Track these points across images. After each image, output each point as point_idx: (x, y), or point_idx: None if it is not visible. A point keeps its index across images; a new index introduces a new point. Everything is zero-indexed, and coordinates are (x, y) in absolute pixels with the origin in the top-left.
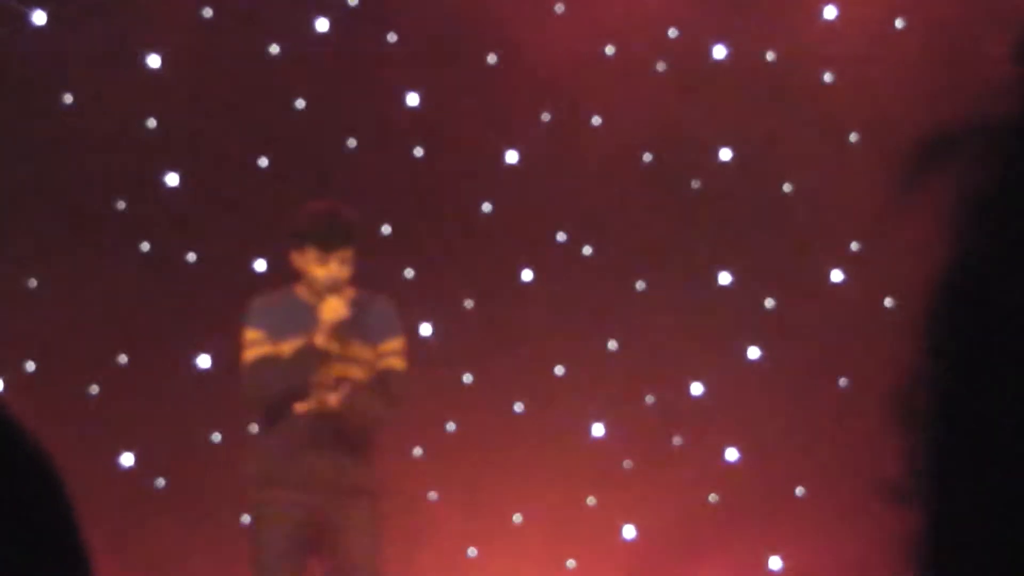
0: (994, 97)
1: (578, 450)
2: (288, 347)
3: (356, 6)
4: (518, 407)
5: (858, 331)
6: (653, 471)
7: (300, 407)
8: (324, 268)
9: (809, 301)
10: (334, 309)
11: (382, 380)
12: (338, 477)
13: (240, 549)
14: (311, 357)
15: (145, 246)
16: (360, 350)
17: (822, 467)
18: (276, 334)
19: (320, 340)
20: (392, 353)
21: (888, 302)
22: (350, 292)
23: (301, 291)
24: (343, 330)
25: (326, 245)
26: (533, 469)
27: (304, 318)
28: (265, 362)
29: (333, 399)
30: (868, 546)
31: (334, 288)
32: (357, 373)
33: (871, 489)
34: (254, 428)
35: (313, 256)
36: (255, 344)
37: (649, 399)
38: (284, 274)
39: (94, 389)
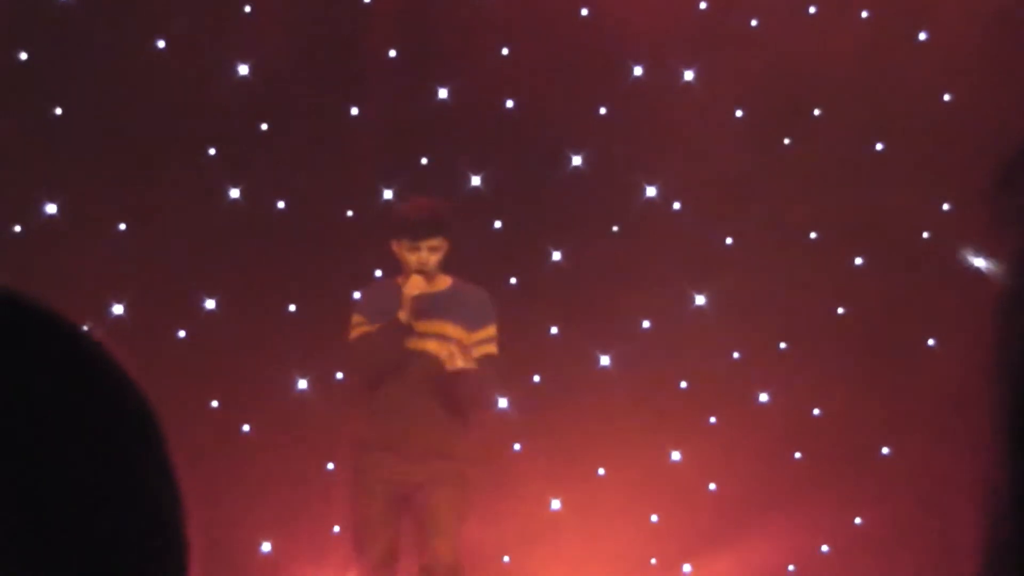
0: None
1: (663, 405)
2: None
3: None
4: (604, 360)
5: (948, 291)
6: (738, 427)
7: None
8: (415, 255)
9: (899, 260)
10: (415, 285)
11: (480, 362)
12: (431, 444)
13: (322, 493)
14: (396, 331)
15: (235, 192)
16: (451, 330)
17: (908, 427)
18: (375, 317)
19: (402, 315)
20: (487, 340)
21: (979, 263)
22: (447, 280)
23: (401, 280)
24: (425, 305)
25: (416, 235)
26: (618, 423)
27: (398, 302)
28: (360, 340)
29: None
30: (953, 508)
31: (423, 273)
32: (442, 350)
33: (958, 450)
34: (339, 376)
35: (406, 245)
36: (356, 327)
37: (735, 355)
38: (373, 222)
39: (181, 334)
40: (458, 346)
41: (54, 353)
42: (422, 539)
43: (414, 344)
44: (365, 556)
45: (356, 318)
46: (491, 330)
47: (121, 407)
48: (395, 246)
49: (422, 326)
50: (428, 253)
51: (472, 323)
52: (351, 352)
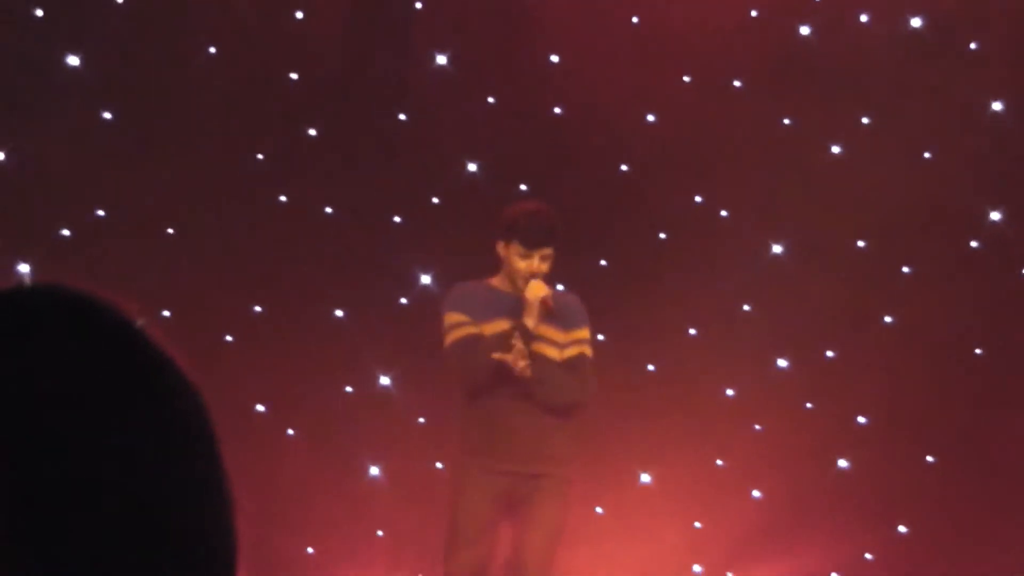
0: None
1: (709, 412)
2: (491, 329)
3: None
4: (651, 367)
5: (995, 301)
6: (783, 435)
7: (499, 356)
8: (527, 262)
9: (946, 269)
10: (538, 288)
11: (575, 366)
12: (533, 453)
13: (365, 498)
14: (514, 336)
15: (283, 197)
16: (555, 334)
17: (954, 436)
18: (479, 317)
19: (529, 321)
20: (583, 341)
21: None
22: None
23: (497, 282)
24: (544, 311)
25: (532, 242)
26: (663, 429)
27: (504, 304)
28: (471, 341)
29: (523, 365)
30: (997, 517)
31: (531, 279)
32: (552, 353)
33: (1003, 459)
34: (385, 381)
35: (517, 250)
36: (460, 326)
37: (782, 363)
38: (416, 228)
39: (229, 338)
40: (521, 350)
41: (115, 348)
42: (517, 550)
43: (536, 348)
44: (457, 561)
45: (455, 316)
46: (585, 332)
47: (177, 403)
48: (502, 249)
49: (542, 331)
50: (540, 262)
51: (568, 324)
52: (458, 353)
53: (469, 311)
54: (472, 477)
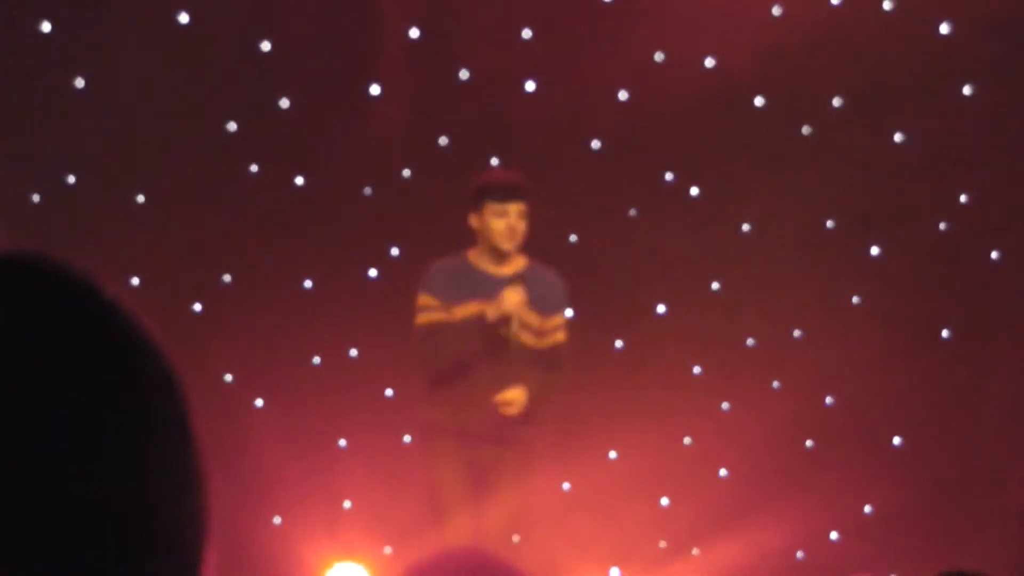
0: None
1: (676, 390)
2: (461, 312)
3: None
4: (618, 344)
5: (964, 283)
6: (750, 414)
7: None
8: (504, 220)
9: (915, 251)
10: (514, 296)
11: (550, 358)
12: (497, 430)
13: (333, 469)
14: (482, 327)
15: (253, 168)
16: (532, 319)
17: (920, 417)
18: (451, 299)
19: (491, 313)
20: (560, 327)
21: (994, 255)
22: (523, 261)
23: (475, 256)
24: (501, 288)
25: (503, 194)
26: (630, 406)
27: (478, 285)
28: (435, 329)
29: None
30: (963, 498)
31: (511, 238)
32: (528, 340)
33: (969, 440)
34: (354, 353)
35: (492, 210)
36: (428, 310)
37: (750, 342)
38: (387, 200)
39: (197, 307)
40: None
41: (83, 313)
42: (482, 510)
43: (507, 335)
44: (446, 516)
45: (426, 299)
46: (563, 317)
47: (148, 370)
48: (475, 220)
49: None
50: (517, 219)
51: (546, 308)
52: (424, 339)
53: (441, 293)
54: (440, 452)
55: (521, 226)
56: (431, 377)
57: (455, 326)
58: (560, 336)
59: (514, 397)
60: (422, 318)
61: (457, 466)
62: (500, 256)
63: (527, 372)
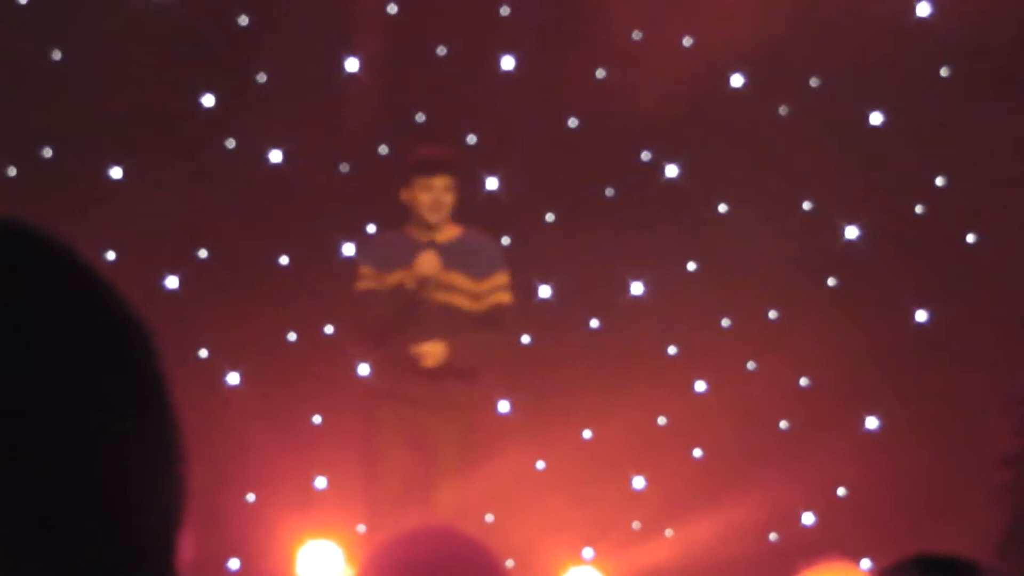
0: None
1: (652, 369)
2: (391, 280)
3: None
4: (594, 323)
5: (939, 265)
6: (724, 394)
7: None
8: (429, 193)
9: (891, 233)
10: (428, 263)
11: (491, 313)
12: (437, 392)
13: (307, 445)
14: (407, 293)
15: (231, 143)
16: (462, 282)
17: (896, 400)
18: (383, 268)
19: (410, 281)
20: (499, 288)
21: (970, 238)
22: (456, 230)
23: (411, 230)
24: (439, 274)
25: (428, 168)
26: (605, 386)
27: (408, 254)
28: (368, 296)
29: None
30: (937, 479)
31: (437, 210)
32: (464, 303)
33: (944, 422)
34: (329, 329)
35: (419, 184)
36: (363, 279)
37: (725, 322)
38: (367, 176)
39: (173, 282)
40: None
41: (61, 278)
42: (431, 479)
43: (425, 297)
44: (380, 494)
45: (364, 269)
46: (502, 278)
47: (126, 336)
48: (405, 194)
49: (442, 283)
50: (442, 192)
51: (481, 272)
52: (358, 306)
53: (375, 261)
54: (381, 414)
55: (447, 199)
56: (368, 342)
57: (386, 293)
58: (501, 297)
59: (430, 349)
60: (358, 286)
61: (397, 429)
62: (429, 228)
63: (460, 333)
